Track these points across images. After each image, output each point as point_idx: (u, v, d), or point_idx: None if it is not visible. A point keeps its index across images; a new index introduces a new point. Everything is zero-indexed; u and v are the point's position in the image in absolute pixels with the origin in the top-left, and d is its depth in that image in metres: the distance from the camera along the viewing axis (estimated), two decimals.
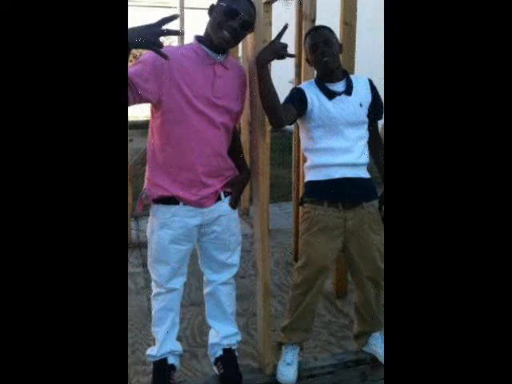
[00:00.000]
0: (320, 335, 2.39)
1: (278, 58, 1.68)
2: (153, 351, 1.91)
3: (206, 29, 1.69)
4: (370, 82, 1.97)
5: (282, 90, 1.92)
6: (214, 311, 1.98)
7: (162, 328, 1.88)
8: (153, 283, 1.89)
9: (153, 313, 1.91)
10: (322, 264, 1.90)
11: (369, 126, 1.96)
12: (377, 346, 2.07)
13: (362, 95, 1.92)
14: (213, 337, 2.01)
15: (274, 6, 3.52)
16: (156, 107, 1.66)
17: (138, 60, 1.60)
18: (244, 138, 3.87)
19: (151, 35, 1.41)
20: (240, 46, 3.17)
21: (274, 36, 1.72)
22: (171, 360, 1.92)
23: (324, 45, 1.83)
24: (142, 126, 6.61)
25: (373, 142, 2.00)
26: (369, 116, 1.93)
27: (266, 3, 3.32)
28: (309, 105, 1.88)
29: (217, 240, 1.84)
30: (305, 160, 2.04)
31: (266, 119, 1.81)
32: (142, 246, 3.52)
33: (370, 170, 1.96)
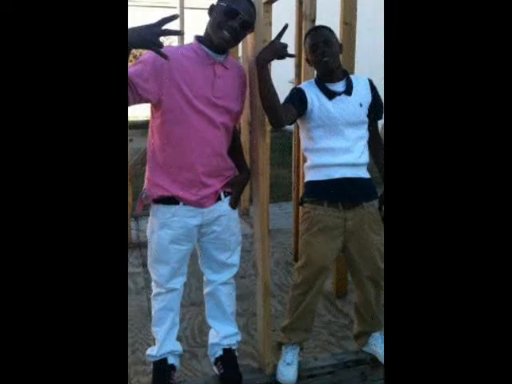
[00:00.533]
0: (320, 335, 2.39)
1: (278, 58, 1.68)
2: (153, 351, 1.91)
3: (206, 29, 1.69)
4: (370, 82, 1.98)
5: (282, 90, 1.92)
6: (214, 311, 1.98)
7: (161, 328, 1.88)
8: (153, 283, 1.89)
9: (153, 313, 1.91)
10: (321, 264, 1.90)
11: (369, 126, 1.96)
12: (377, 345, 2.07)
13: (362, 95, 1.92)
14: (213, 337, 2.01)
15: (274, 6, 3.52)
16: (156, 107, 1.66)
17: (138, 60, 1.60)
18: (244, 138, 3.87)
19: (151, 35, 1.41)
20: (240, 45, 3.17)
21: (274, 36, 1.72)
22: (171, 360, 1.92)
23: (324, 45, 1.83)
24: (142, 125, 6.62)
25: (373, 142, 2.00)
26: (369, 116, 1.93)
27: (266, 3, 3.32)
28: (309, 105, 1.88)
29: (217, 240, 1.84)
30: (305, 160, 2.04)
31: (266, 119, 1.81)
32: (142, 246, 3.52)
33: (369, 169, 1.96)
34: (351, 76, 1.96)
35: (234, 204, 1.85)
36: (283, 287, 2.94)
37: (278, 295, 2.83)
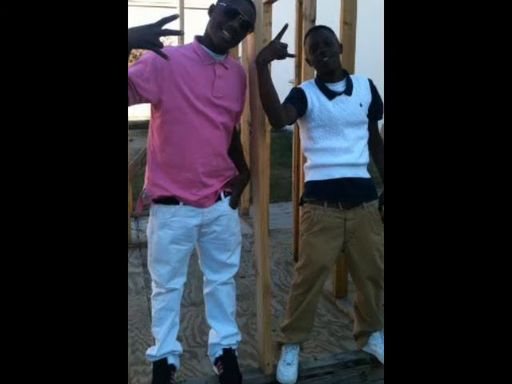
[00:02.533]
0: (320, 335, 2.39)
1: (278, 58, 1.68)
2: (153, 351, 1.91)
3: (206, 29, 1.69)
4: (370, 82, 1.97)
5: (282, 90, 1.92)
6: (213, 311, 1.98)
7: (162, 328, 1.88)
8: (153, 283, 1.89)
9: (153, 313, 1.91)
10: (322, 264, 1.90)
11: (369, 126, 1.96)
12: (377, 345, 2.07)
13: (362, 95, 1.92)
14: (213, 337, 2.01)
15: (274, 5, 3.52)
16: (156, 107, 1.66)
17: (138, 60, 1.60)
18: (244, 138, 3.87)
19: (151, 35, 1.41)
20: (240, 45, 3.17)
21: (274, 36, 1.71)
22: (171, 360, 1.92)
23: (324, 45, 1.83)
24: (142, 125, 6.61)
25: (373, 142, 2.00)
26: (369, 116, 1.93)
27: (265, 3, 3.32)
28: (309, 105, 1.88)
29: (217, 240, 1.84)
30: (305, 160, 2.04)
31: (266, 119, 1.81)
32: (142, 246, 3.52)
33: (369, 169, 1.96)
34: (351, 76, 1.96)
35: (233, 204, 1.85)
36: (283, 287, 2.95)
37: (278, 295, 2.83)
